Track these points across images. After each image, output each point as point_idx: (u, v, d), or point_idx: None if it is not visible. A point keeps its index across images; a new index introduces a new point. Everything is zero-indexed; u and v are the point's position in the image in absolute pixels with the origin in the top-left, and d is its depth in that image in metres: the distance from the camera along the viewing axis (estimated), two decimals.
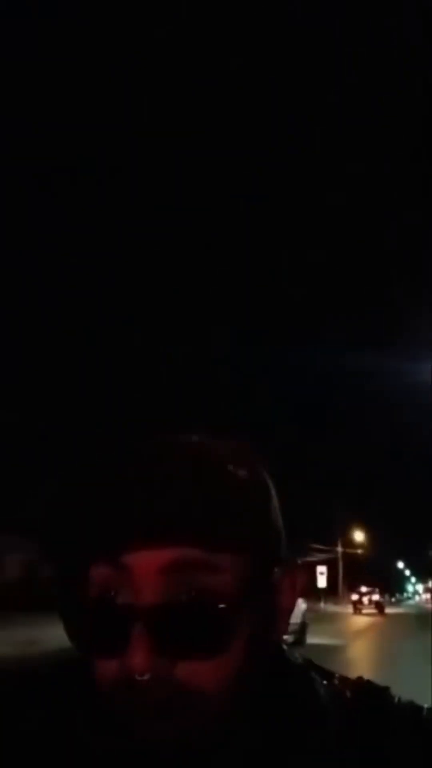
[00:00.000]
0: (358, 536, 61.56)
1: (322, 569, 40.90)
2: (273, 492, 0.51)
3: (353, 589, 46.33)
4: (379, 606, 35.96)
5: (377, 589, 39.55)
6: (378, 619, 31.32)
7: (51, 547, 0.54)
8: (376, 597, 36.77)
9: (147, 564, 0.44)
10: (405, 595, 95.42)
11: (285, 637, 0.53)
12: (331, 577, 45.52)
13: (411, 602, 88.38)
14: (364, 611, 34.76)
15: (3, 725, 0.52)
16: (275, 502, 0.50)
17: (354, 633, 20.54)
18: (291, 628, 0.55)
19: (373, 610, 34.73)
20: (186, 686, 0.44)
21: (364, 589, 38.48)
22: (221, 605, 0.45)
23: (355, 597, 37.06)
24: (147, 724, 0.44)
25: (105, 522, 0.45)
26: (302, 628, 13.49)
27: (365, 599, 36.02)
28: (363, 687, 0.53)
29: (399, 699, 0.52)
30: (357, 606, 35.83)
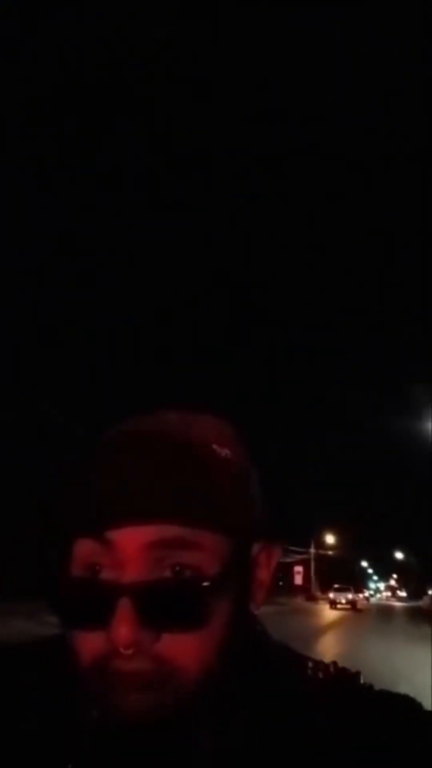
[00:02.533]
0: (330, 539, 67.29)
1: (298, 569, 46.66)
2: (253, 471, 0.52)
3: (323, 586, 52.21)
4: (352, 603, 41.10)
5: (351, 588, 44.97)
6: (349, 612, 36.70)
7: (37, 524, 0.53)
8: (350, 596, 41.95)
9: (132, 540, 0.45)
10: (369, 592, 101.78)
11: None
12: (305, 576, 51.08)
13: (373, 599, 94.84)
14: (339, 606, 39.55)
15: None
16: (255, 480, 0.52)
17: (329, 621, 25.66)
18: None
19: (347, 606, 39.75)
20: (168, 660, 0.45)
21: (336, 586, 43.61)
22: (204, 582, 0.46)
23: (332, 595, 42.14)
24: (127, 697, 0.44)
25: (91, 498, 0.46)
26: None
27: (342, 597, 41.14)
28: (335, 671, 0.54)
29: (370, 685, 0.53)
30: (334, 602, 40.64)
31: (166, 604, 0.45)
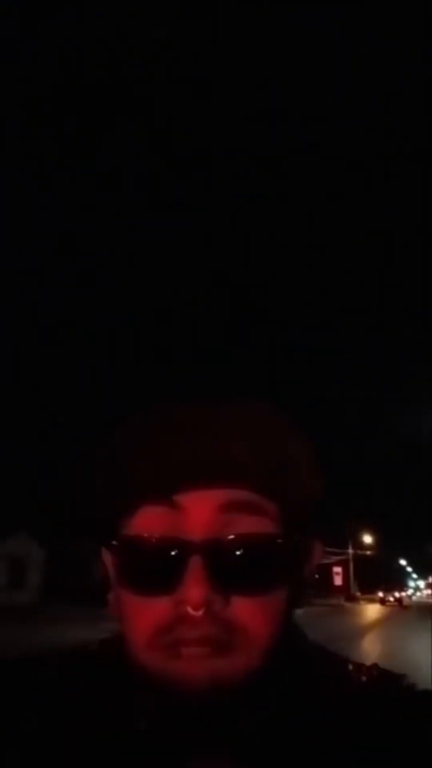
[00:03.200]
0: (367, 538, 67.33)
1: (337, 569, 47.05)
2: (316, 459, 0.52)
3: (362, 587, 53.07)
4: (399, 600, 49.97)
5: (400, 587, 58.25)
6: (390, 611, 37.16)
7: (96, 489, 0.50)
8: (397, 594, 52.60)
9: (202, 504, 0.46)
10: (409, 591, 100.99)
11: None
12: (344, 577, 51.40)
13: (414, 597, 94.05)
14: (387, 604, 46.77)
15: (44, 713, 0.50)
16: (317, 467, 0.51)
17: (371, 620, 26.19)
18: None
19: (395, 603, 48.08)
20: (237, 624, 0.44)
21: (384, 586, 55.77)
22: (275, 542, 0.47)
23: (380, 594, 52.10)
24: (194, 667, 0.43)
25: (163, 461, 0.46)
26: None
27: (389, 596, 50.69)
28: (378, 673, 0.53)
29: (414, 686, 0.52)
30: (384, 600, 49.31)
31: (238, 564, 0.45)
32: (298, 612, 0.52)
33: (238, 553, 0.45)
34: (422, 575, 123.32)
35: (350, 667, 0.53)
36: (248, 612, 0.44)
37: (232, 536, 0.46)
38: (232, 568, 0.44)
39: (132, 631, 0.46)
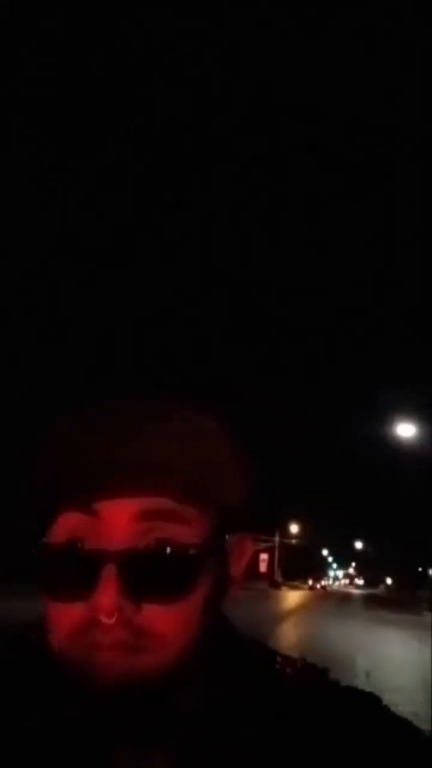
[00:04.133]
0: (294, 528, 69.77)
1: (263, 556, 48.82)
2: (244, 459, 0.51)
3: (285, 574, 55.29)
4: (324, 587, 61.17)
5: (323, 576, 70.83)
6: (310, 597, 39.11)
7: (24, 493, 0.50)
8: (323, 582, 64.75)
9: (119, 511, 0.45)
10: (329, 580, 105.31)
11: None
12: (269, 563, 53.34)
13: (334, 585, 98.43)
14: (314, 589, 55.45)
15: None
16: (240, 467, 0.51)
17: (293, 605, 27.69)
18: None
19: (322, 589, 57.90)
20: (147, 630, 0.44)
21: (314, 575, 68.05)
22: (190, 551, 0.46)
23: (310, 582, 62.87)
24: (106, 668, 0.44)
25: (79, 468, 0.45)
26: None
27: (317, 584, 61.12)
28: (303, 667, 0.54)
29: (337, 682, 0.53)
30: (311, 587, 59.35)
31: (151, 572, 0.45)
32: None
33: (151, 562, 0.45)
34: (341, 566, 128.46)
35: (278, 659, 0.54)
36: (159, 618, 0.45)
37: (146, 546, 0.46)
38: (144, 577, 0.45)
39: (52, 632, 0.47)
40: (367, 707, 0.51)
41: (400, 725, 0.50)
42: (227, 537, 0.51)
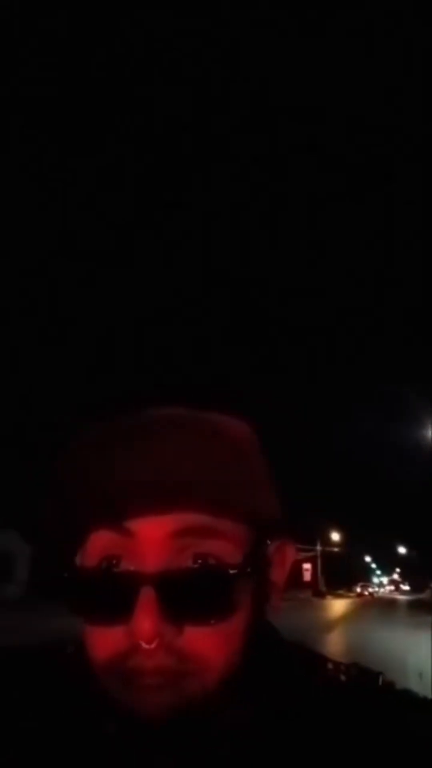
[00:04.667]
0: (335, 536, 69.48)
1: (306, 566, 48.85)
2: (272, 468, 0.50)
3: (329, 583, 55.32)
4: (371, 594, 66.95)
5: (369, 584, 78.06)
6: (356, 605, 39.15)
7: (54, 514, 0.47)
8: (371, 589, 71.86)
9: (153, 530, 0.43)
10: (374, 587, 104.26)
11: None
12: (313, 573, 53.28)
13: (378, 593, 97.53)
14: (363, 596, 59.94)
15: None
16: (273, 477, 0.49)
17: (339, 614, 27.87)
18: None
19: (368, 595, 64.08)
20: (191, 655, 0.43)
21: (361, 584, 78.44)
22: (230, 570, 0.44)
23: (358, 590, 71.01)
24: (148, 696, 0.42)
25: (110, 487, 0.43)
26: None
27: (366, 590, 68.51)
28: (357, 671, 0.52)
29: (392, 684, 0.51)
30: (360, 593, 66.24)
31: (191, 593, 0.43)
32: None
33: (189, 583, 0.43)
34: (385, 572, 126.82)
35: (329, 666, 0.52)
36: (202, 640, 0.43)
37: (184, 566, 0.44)
38: (184, 599, 0.43)
39: (91, 656, 0.45)
40: (425, 712, 0.49)
41: None
42: (270, 546, 0.49)
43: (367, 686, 0.50)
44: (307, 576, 50.14)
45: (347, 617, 25.54)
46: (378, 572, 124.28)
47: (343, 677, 0.51)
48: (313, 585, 52.02)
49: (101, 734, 0.46)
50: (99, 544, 0.45)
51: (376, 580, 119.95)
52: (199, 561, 0.44)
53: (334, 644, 13.46)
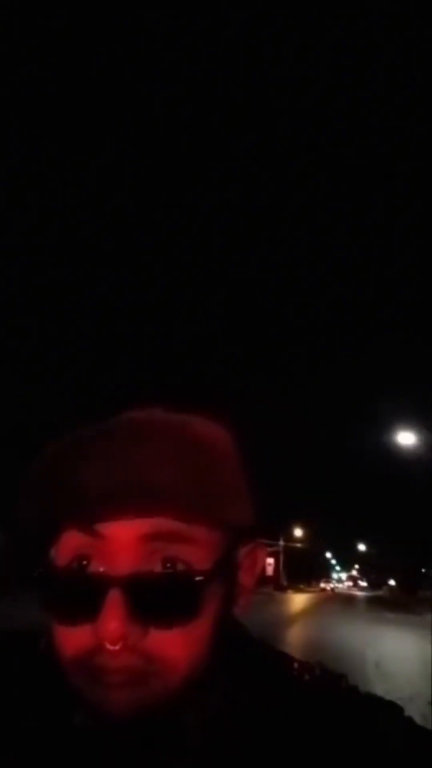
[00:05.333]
0: (297, 532, 70.83)
1: (269, 561, 49.85)
2: (248, 470, 0.50)
3: (290, 577, 56.62)
4: (332, 589, 72.78)
5: (329, 580, 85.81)
6: (315, 599, 40.28)
7: (28, 511, 0.46)
8: (331, 585, 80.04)
9: (124, 533, 0.44)
10: (333, 583, 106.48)
11: None
12: (275, 568, 54.42)
13: (338, 588, 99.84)
14: (324, 591, 63.90)
15: None
16: (248, 479, 0.49)
17: (300, 608, 28.80)
18: None
19: (329, 590, 68.50)
20: (155, 656, 0.43)
21: (324, 579, 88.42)
22: (197, 576, 0.44)
23: (322, 584, 78.02)
24: (113, 694, 0.43)
25: (82, 489, 0.44)
26: None
27: (327, 586, 74.21)
28: (320, 672, 0.52)
29: (355, 687, 0.52)
30: (322, 589, 71.17)
31: (158, 597, 0.43)
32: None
33: (157, 586, 0.44)
34: (345, 568, 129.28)
35: (295, 665, 0.52)
36: (168, 642, 0.44)
37: (152, 570, 0.44)
38: (151, 602, 0.43)
39: (59, 653, 0.46)
40: (388, 714, 0.49)
41: (422, 734, 0.48)
42: (241, 549, 0.50)
43: (332, 688, 0.51)
44: (270, 570, 51.24)
45: (307, 612, 26.47)
46: (337, 568, 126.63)
47: (307, 677, 0.52)
48: (275, 580, 53.13)
49: (69, 726, 0.47)
50: (71, 543, 0.46)
51: (335, 575, 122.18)
52: (168, 565, 0.45)
53: (295, 638, 14.23)
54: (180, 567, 0.45)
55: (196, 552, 0.45)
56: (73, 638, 0.44)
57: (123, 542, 0.44)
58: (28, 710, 0.50)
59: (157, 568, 0.45)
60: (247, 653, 0.52)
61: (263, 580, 49.03)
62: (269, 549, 54.52)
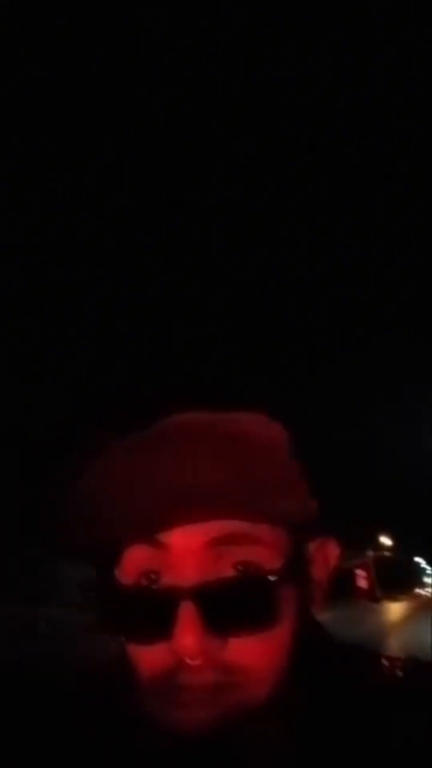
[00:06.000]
0: (385, 540, 70.52)
1: (361, 572, 50.38)
2: (305, 466, 0.48)
3: (383, 587, 56.87)
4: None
5: (424, 585, 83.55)
6: (413, 608, 40.29)
7: (81, 532, 0.46)
8: (428, 590, 78.71)
9: (188, 540, 0.43)
10: (427, 588, 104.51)
11: None
12: (368, 578, 54.62)
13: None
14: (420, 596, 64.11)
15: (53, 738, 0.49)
16: (307, 475, 0.48)
17: (398, 616, 29.35)
18: None
19: (427, 596, 68.26)
20: (235, 665, 0.42)
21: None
22: (270, 577, 0.43)
23: (417, 590, 77.56)
24: (194, 712, 0.41)
25: (141, 500, 0.42)
26: None
27: (423, 591, 74.27)
28: (413, 666, 0.50)
29: None
30: (417, 595, 71.30)
31: (232, 604, 0.42)
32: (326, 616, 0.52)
33: (230, 593, 0.42)
34: None
35: (384, 662, 0.51)
36: (247, 651, 0.42)
37: (222, 575, 0.43)
38: (226, 610, 0.42)
39: (136, 675, 0.45)
40: None
41: None
42: (310, 544, 0.49)
43: (427, 681, 0.49)
44: (363, 582, 51.68)
45: (406, 620, 27.10)
46: (429, 572, 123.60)
47: (399, 673, 0.50)
48: (369, 590, 53.35)
49: (140, 752, 0.46)
50: (135, 560, 0.45)
51: (428, 580, 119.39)
52: (239, 568, 0.44)
53: (395, 645, 15.34)
54: (251, 569, 0.44)
55: (264, 552, 0.45)
56: (149, 658, 0.44)
57: (189, 550, 0.43)
58: (100, 741, 0.49)
59: (227, 573, 0.44)
60: (330, 654, 0.51)
61: (357, 592, 49.74)
62: (359, 560, 54.78)
